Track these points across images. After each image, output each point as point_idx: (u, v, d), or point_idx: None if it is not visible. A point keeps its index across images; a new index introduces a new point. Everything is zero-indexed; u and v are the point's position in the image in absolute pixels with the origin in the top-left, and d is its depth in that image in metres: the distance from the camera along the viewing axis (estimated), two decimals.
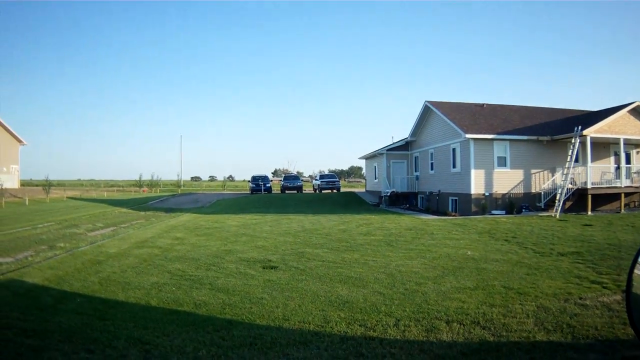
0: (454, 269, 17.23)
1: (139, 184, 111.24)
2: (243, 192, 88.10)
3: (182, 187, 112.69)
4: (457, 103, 51.08)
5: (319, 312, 12.00)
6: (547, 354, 8.78)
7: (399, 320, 11.19)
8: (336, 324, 10.98)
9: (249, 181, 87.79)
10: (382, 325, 10.83)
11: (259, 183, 79.49)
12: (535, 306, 12.14)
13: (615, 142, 43.03)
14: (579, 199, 40.99)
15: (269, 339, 9.83)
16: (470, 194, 42.29)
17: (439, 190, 47.39)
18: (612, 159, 45.66)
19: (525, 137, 43.40)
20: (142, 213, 46.35)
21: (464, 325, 10.73)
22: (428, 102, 50.86)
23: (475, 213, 40.75)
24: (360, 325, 10.85)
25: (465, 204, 42.80)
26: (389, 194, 54.49)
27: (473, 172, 42.44)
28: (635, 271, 2.08)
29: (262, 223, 35.44)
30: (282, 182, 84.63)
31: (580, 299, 12.63)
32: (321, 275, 16.36)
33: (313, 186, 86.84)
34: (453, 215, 40.62)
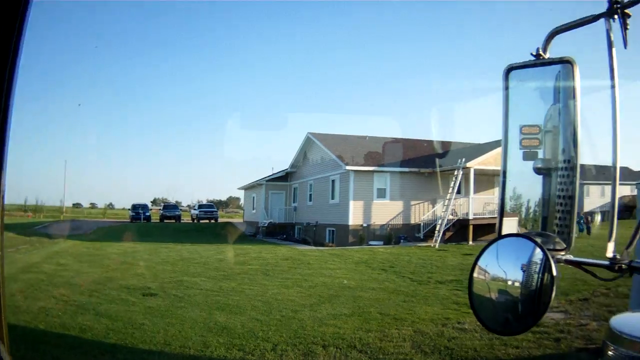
0: (330, 297, 17.39)
1: (24, 208, 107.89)
2: (123, 220, 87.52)
3: (64, 214, 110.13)
4: (339, 135, 51.27)
5: (199, 338, 12.07)
6: None
7: (276, 345, 11.33)
8: (215, 349, 11.12)
9: (129, 209, 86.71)
10: (260, 350, 11.01)
11: (138, 212, 78.80)
12: (412, 331, 12.53)
13: (499, 174, 44.11)
14: (460, 229, 41.85)
15: None
16: (348, 225, 42.49)
17: (317, 222, 47.42)
18: (496, 190, 46.70)
19: (406, 169, 44.09)
20: (28, 238, 44.99)
21: (340, 349, 10.92)
22: (310, 133, 50.99)
23: (353, 244, 40.89)
24: (239, 350, 11.02)
25: (342, 235, 42.87)
26: (266, 225, 54.37)
27: (352, 203, 42.73)
28: (474, 274, 2.01)
29: (141, 251, 35.10)
30: (160, 211, 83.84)
31: (459, 323, 12.92)
32: (199, 303, 16.38)
33: (191, 216, 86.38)
34: (330, 246, 40.69)
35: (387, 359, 10.06)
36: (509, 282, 2.44)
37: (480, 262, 2.50)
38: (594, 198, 53.80)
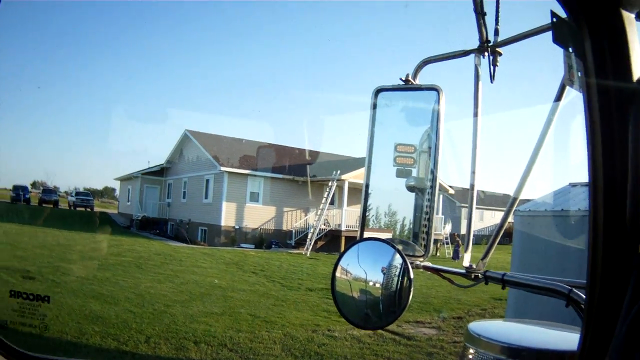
0: (201, 294, 17.47)
1: None
2: (3, 200, 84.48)
3: None
4: (216, 135, 50.57)
5: (75, 324, 12.00)
6: None
7: (149, 338, 11.43)
8: (91, 337, 11.13)
9: (10, 190, 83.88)
10: (133, 341, 11.07)
11: (19, 193, 76.09)
12: (283, 334, 12.65)
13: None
14: (332, 239, 42.12)
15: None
16: (221, 226, 42.33)
17: (190, 220, 46.89)
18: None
19: (280, 176, 44.18)
20: None
21: (211, 346, 11.15)
22: (188, 130, 50.22)
23: (225, 244, 40.60)
24: (113, 340, 11.06)
25: (214, 235, 42.59)
26: (140, 218, 53.34)
27: (225, 204, 42.64)
28: (336, 273, 2.29)
29: (20, 234, 33.75)
30: (40, 195, 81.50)
31: (329, 330, 13.12)
32: (75, 290, 16.16)
33: (69, 202, 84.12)
34: (202, 245, 40.36)
35: (257, 359, 10.16)
36: (370, 283, 2.65)
37: (342, 263, 2.68)
38: (474, 222, 55.08)
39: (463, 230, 51.54)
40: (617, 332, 1.62)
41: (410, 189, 3.04)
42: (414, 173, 3.02)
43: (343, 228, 42.58)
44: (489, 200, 50.96)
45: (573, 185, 14.74)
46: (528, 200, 16.01)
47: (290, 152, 49.12)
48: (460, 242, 41.22)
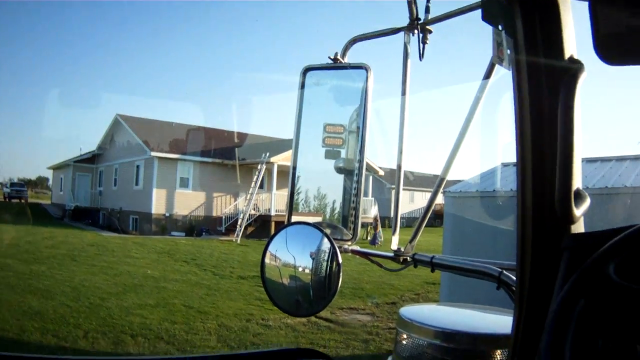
0: (134, 286, 17.47)
1: None
2: None
3: None
4: (147, 119, 49.55)
5: (16, 322, 11.97)
6: None
7: (87, 333, 11.45)
8: (32, 333, 11.09)
9: None
10: (72, 337, 11.07)
11: None
12: (217, 324, 12.71)
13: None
14: (262, 224, 41.90)
15: None
16: (151, 214, 42.02)
17: (121, 208, 46.27)
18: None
19: (209, 160, 43.87)
20: None
21: (148, 339, 11.15)
22: (119, 115, 49.12)
23: (156, 233, 40.31)
24: (53, 336, 11.03)
25: (145, 224, 42.17)
26: (72, 208, 52.48)
27: (155, 191, 42.25)
28: (265, 260, 2.62)
29: None
30: None
31: (263, 319, 13.17)
32: (13, 285, 16.12)
33: (4, 194, 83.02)
34: (134, 234, 40.05)
35: (194, 351, 10.21)
36: (299, 269, 2.61)
37: (271, 248, 2.66)
38: (404, 202, 55.27)
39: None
40: (549, 314, 1.60)
41: (339, 170, 3.00)
42: (343, 154, 2.98)
43: (273, 213, 42.38)
44: (420, 181, 51.12)
45: (505, 165, 14.87)
46: (459, 181, 16.10)
47: (219, 134, 48.34)
48: (379, 225, 40.84)
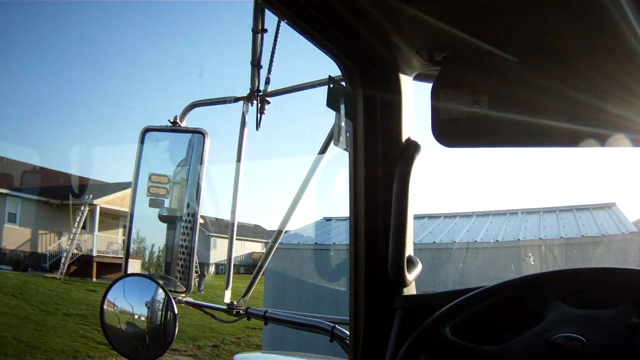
0: None
1: None
2: None
3: None
4: None
5: None
6: None
7: None
8: None
9: None
10: None
11: None
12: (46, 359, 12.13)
13: (126, 215, 43.18)
14: (84, 264, 40.68)
15: None
16: None
17: None
18: (120, 230, 46.08)
19: (36, 197, 41.60)
20: None
21: None
22: None
23: None
24: None
25: None
26: None
27: None
28: (104, 306, 2.68)
29: None
30: None
31: (89, 357, 12.89)
32: None
33: None
34: None
35: None
36: (136, 316, 2.70)
37: (109, 296, 2.70)
38: (222, 251, 54.69)
39: (212, 260, 51.55)
40: None
41: (163, 219, 3.11)
42: (166, 204, 3.10)
43: (94, 254, 41.37)
44: (239, 230, 51.18)
45: (327, 219, 15.10)
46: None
47: (48, 174, 46.51)
48: (206, 272, 40.56)
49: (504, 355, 1.56)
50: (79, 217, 40.31)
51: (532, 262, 11.60)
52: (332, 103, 1.98)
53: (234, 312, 2.95)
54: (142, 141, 3.01)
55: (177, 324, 2.52)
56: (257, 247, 53.78)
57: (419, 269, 1.96)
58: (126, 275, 2.81)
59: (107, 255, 41.75)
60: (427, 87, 2.04)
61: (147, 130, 3.04)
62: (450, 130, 1.96)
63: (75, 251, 40.50)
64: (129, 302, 2.65)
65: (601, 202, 14.86)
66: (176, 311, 2.57)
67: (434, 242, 13.20)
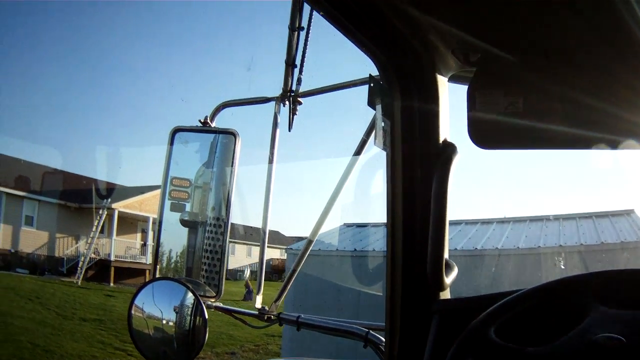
0: None
1: None
2: None
3: None
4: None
5: None
6: None
7: None
8: None
9: None
10: None
11: None
12: None
13: (145, 219, 43.58)
14: (102, 269, 40.83)
15: None
16: None
17: None
18: (139, 235, 46.11)
19: (54, 200, 41.95)
20: None
21: None
22: None
23: (1, 268, 38.03)
24: None
25: None
26: None
27: (2, 226, 39.69)
28: (132, 311, 2.63)
29: None
30: None
31: None
32: None
33: None
34: None
35: None
36: (164, 321, 2.66)
37: (137, 301, 2.66)
38: (241, 257, 54.60)
39: (230, 266, 51.45)
40: None
41: (184, 223, 3.02)
42: (187, 208, 3.01)
43: (112, 258, 41.54)
44: (256, 236, 51.01)
45: (348, 225, 15.10)
46: (301, 238, 16.20)
47: (68, 177, 46.66)
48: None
49: (549, 356, 1.58)
50: (97, 221, 40.38)
51: (563, 267, 11.58)
52: (372, 102, 2.00)
53: (266, 318, 2.92)
54: (171, 142, 2.97)
55: (207, 329, 2.50)
56: (275, 254, 53.45)
57: (455, 272, 1.96)
58: (155, 279, 2.81)
59: (125, 260, 41.95)
60: (459, 88, 2.03)
61: (176, 130, 2.99)
62: (486, 131, 1.97)
63: (93, 255, 40.55)
64: (158, 307, 2.64)
65: (620, 208, 14.90)
66: (206, 316, 2.53)
67: (456, 248, 13.19)
